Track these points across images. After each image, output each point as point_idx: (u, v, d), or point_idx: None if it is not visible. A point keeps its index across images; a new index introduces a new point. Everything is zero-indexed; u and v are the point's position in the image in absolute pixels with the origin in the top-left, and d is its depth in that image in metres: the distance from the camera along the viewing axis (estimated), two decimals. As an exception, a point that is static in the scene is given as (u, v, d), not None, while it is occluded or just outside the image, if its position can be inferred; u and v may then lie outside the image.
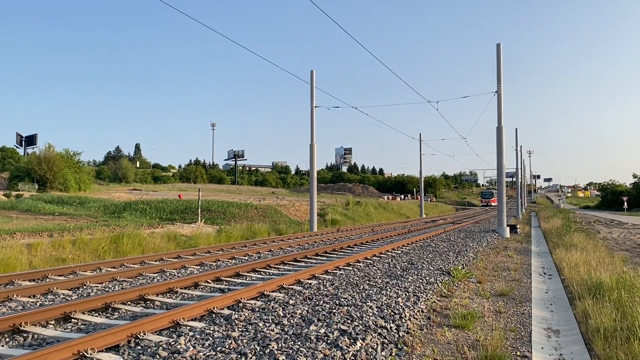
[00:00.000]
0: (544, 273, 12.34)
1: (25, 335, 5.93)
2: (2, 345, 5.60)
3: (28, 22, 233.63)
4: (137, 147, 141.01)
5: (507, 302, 8.36)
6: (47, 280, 9.71)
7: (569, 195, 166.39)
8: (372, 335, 5.69)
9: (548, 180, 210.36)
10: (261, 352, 5.02)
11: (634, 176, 77.92)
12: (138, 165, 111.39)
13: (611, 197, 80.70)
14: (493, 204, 79.51)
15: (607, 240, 20.63)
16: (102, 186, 70.54)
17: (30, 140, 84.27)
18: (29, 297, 8.09)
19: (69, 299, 8.05)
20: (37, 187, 51.09)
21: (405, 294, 8.07)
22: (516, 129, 51.51)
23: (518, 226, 25.10)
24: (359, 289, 8.45)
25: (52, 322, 6.50)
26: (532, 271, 12.17)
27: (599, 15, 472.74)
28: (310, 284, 9.15)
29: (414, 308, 7.21)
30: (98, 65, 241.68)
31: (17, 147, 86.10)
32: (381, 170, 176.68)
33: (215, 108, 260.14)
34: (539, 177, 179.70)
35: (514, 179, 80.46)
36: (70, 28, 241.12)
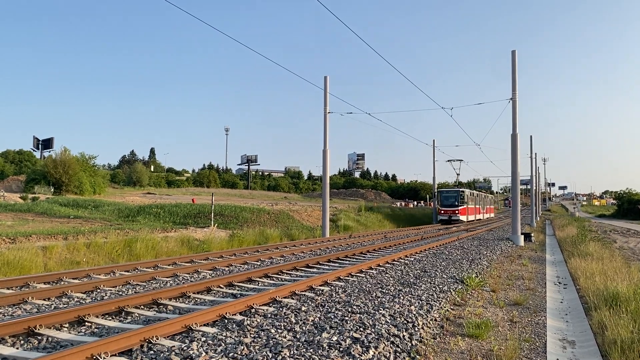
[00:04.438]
0: (559, 282, 12.18)
1: (39, 337, 5.99)
2: (17, 348, 5.65)
3: (45, 26, 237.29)
4: (152, 151, 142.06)
5: (522, 312, 8.26)
6: (62, 283, 9.80)
7: (584, 203, 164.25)
8: (384, 343, 5.65)
9: (563, 188, 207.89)
10: (273, 359, 5.01)
11: (651, 184, 76.61)
12: (152, 169, 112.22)
13: (627, 206, 79.36)
14: (462, 217, 43.36)
15: (623, 249, 20.32)
16: (117, 190, 71.21)
17: (47, 143, 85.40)
18: (44, 299, 8.16)
19: (83, 302, 8.11)
20: (52, 190, 51.69)
21: (419, 302, 8.01)
22: (531, 136, 50.88)
23: (532, 234, 24.84)
24: (372, 297, 8.41)
25: (67, 325, 6.55)
26: (547, 280, 12.03)
27: (616, 19, 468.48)
28: (323, 290, 9.13)
29: (427, 316, 7.15)
30: (115, 70, 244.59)
31: (33, 150, 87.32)
32: (394, 176, 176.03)
33: (229, 113, 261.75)
34: (553, 184, 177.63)
35: (529, 187, 75.84)
36: (86, 32, 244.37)
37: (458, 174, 48.15)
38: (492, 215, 66.59)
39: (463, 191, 43.81)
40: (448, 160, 46.97)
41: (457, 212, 42.54)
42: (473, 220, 47.95)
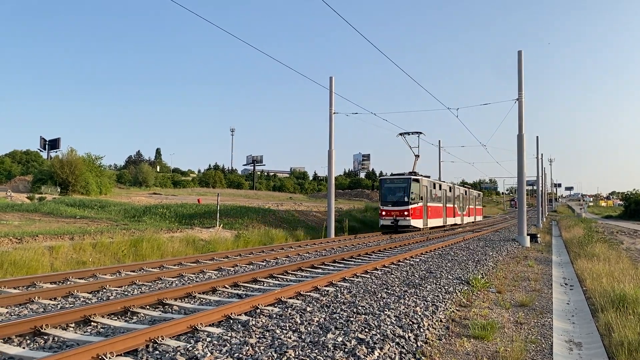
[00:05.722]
0: (565, 284, 12.12)
1: (46, 337, 6.01)
2: (24, 347, 5.68)
3: (52, 27, 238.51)
4: (158, 151, 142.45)
5: (528, 313, 8.22)
6: (68, 283, 9.84)
7: (591, 204, 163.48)
8: (389, 344, 5.64)
9: (569, 189, 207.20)
10: (278, 360, 5.01)
11: (659, 185, 76.17)
12: (158, 170, 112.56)
13: (635, 207, 78.90)
14: (416, 221, 27.84)
15: (630, 250, 20.19)
16: (123, 190, 71.48)
17: (54, 144, 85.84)
18: (50, 299, 8.20)
19: (89, 302, 8.14)
20: (59, 190, 51.99)
21: (424, 303, 7.99)
22: (537, 137, 50.53)
23: (539, 235, 24.73)
24: (377, 297, 8.39)
25: (72, 324, 6.57)
26: (553, 281, 11.97)
27: (621, 20, 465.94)
28: (328, 291, 9.12)
29: (433, 317, 7.13)
30: (121, 71, 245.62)
31: (40, 150, 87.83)
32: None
33: (234, 113, 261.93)
34: (559, 185, 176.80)
35: (535, 187, 73.68)
36: (93, 33, 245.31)
37: (417, 156, 30.75)
38: (480, 218, 53.20)
39: (417, 179, 28.32)
40: (400, 134, 30.60)
41: (406, 213, 27.11)
42: (441, 227, 33.73)
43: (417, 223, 28.02)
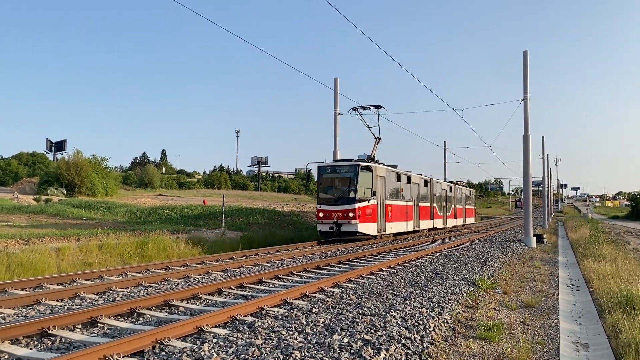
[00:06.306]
0: (572, 284, 12.08)
1: (53, 338, 6.04)
2: (31, 348, 5.71)
3: (58, 28, 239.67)
4: (163, 153, 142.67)
5: (534, 314, 8.20)
6: (75, 284, 9.88)
7: (597, 204, 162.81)
8: (395, 345, 5.64)
9: (575, 189, 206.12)
10: (284, 361, 5.02)
11: (666, 185, 75.76)
12: (164, 171, 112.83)
13: (641, 207, 78.57)
14: (365, 225, 19.98)
15: (637, 251, 20.09)
16: (129, 191, 71.67)
17: (60, 146, 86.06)
18: (57, 300, 8.24)
19: (96, 303, 8.18)
20: (65, 191, 52.20)
21: (430, 304, 7.98)
22: (543, 137, 50.48)
23: (545, 236, 24.66)
24: (383, 299, 8.39)
25: (79, 326, 6.60)
26: (560, 282, 11.92)
27: (629, 19, 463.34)
28: (334, 292, 9.12)
29: (439, 319, 7.12)
30: (126, 72, 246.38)
31: (47, 152, 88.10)
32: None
33: (239, 115, 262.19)
34: (565, 186, 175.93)
35: (540, 188, 72.75)
36: (99, 35, 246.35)
37: (378, 138, 23.85)
38: (471, 220, 45.63)
39: (368, 167, 20.79)
40: (353, 108, 23.51)
41: (352, 214, 19.76)
42: (410, 233, 26.75)
43: (367, 228, 20.39)
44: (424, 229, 29.06)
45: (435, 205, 31.37)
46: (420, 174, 29.20)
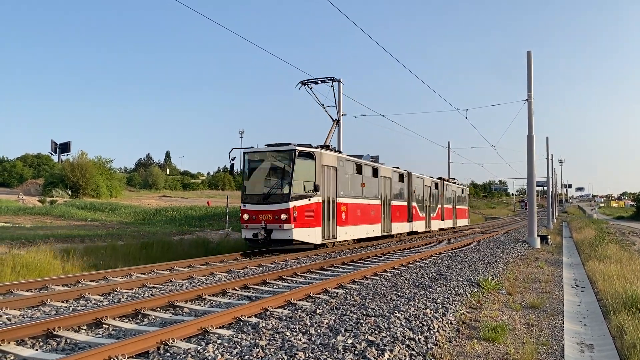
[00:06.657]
0: (577, 285, 12.04)
1: (58, 339, 6.07)
2: (37, 349, 5.74)
3: (62, 30, 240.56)
4: (167, 154, 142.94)
5: (539, 315, 8.18)
6: (80, 285, 9.91)
7: (602, 205, 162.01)
8: (399, 346, 5.64)
9: (580, 189, 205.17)
10: (288, 362, 5.03)
11: (671, 186, 75.49)
12: (168, 173, 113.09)
13: (646, 208, 78.32)
14: (303, 231, 15.14)
15: (642, 252, 20.01)
16: (133, 193, 71.90)
17: (65, 147, 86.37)
18: (62, 301, 8.27)
19: (101, 304, 8.21)
20: (70, 193, 52.41)
21: (434, 305, 7.97)
22: (547, 137, 50.13)
23: (549, 236, 24.58)
24: (387, 299, 8.39)
25: (84, 327, 6.63)
26: (564, 283, 11.89)
27: (626, 19, 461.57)
28: (338, 293, 9.13)
29: (443, 319, 7.12)
30: (130, 74, 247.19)
31: (51, 154, 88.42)
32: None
33: (243, 116, 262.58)
34: (570, 186, 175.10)
35: (545, 188, 72.38)
36: (104, 36, 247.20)
37: (336, 121, 20.79)
38: (463, 222, 40.73)
39: (309, 154, 16.01)
40: (302, 82, 19.36)
41: (285, 217, 15.09)
42: (375, 239, 22.17)
43: (307, 235, 15.76)
44: (398, 233, 24.59)
45: (415, 204, 26.58)
46: (397, 168, 25.00)
